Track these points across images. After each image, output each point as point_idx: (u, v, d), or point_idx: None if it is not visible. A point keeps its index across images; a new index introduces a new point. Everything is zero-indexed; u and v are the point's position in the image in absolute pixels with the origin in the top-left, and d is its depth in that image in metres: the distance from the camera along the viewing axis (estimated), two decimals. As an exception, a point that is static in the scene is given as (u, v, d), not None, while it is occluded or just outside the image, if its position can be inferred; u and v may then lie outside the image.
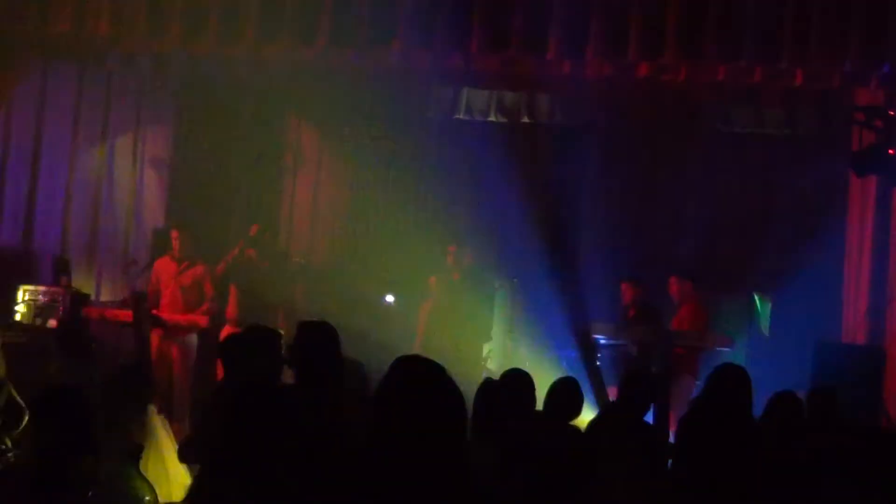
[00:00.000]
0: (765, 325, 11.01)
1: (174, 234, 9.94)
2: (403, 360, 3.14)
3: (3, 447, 5.48)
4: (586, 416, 6.33)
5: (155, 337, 9.69)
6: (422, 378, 3.03)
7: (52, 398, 4.02)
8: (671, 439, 6.99)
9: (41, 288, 9.92)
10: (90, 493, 3.76)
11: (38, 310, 9.72)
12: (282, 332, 5.74)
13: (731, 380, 5.84)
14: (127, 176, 11.19)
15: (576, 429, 5.83)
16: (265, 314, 9.06)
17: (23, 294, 9.79)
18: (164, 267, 9.97)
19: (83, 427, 3.89)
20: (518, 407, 5.38)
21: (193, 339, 9.87)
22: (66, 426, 3.86)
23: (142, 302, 9.56)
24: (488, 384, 5.31)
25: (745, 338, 10.77)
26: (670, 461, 6.33)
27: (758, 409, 6.02)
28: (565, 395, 6.01)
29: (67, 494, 3.77)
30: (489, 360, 10.49)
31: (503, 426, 5.02)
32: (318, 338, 4.93)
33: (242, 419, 3.25)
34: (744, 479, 5.41)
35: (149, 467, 5.04)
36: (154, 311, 9.67)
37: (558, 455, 4.15)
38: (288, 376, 5.17)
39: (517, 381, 5.67)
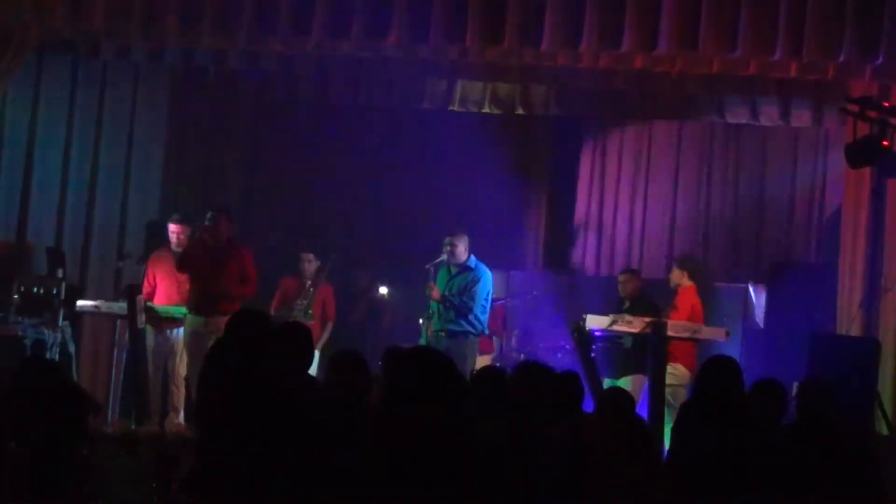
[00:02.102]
0: (760, 316, 11.02)
1: (172, 226, 9.91)
2: (411, 350, 3.13)
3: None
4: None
5: (150, 329, 9.71)
6: (429, 367, 3.02)
7: (49, 391, 4.02)
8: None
9: (36, 280, 9.92)
10: (87, 483, 3.77)
11: (32, 302, 9.70)
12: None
13: (722, 372, 5.84)
14: (121, 168, 11.16)
15: (574, 423, 5.81)
16: (219, 301, 9.07)
17: (17, 286, 9.77)
18: (161, 259, 9.94)
19: (78, 417, 3.90)
20: (529, 400, 5.32)
21: (189, 330, 9.85)
22: (61, 416, 3.87)
23: (136, 294, 9.54)
24: (496, 371, 5.28)
25: (740, 329, 10.78)
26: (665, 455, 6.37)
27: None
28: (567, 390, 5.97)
29: (66, 483, 3.78)
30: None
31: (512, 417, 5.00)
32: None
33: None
34: (736, 469, 5.43)
35: None
36: (149, 304, 9.67)
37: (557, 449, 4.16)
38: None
39: (531, 373, 5.60)
